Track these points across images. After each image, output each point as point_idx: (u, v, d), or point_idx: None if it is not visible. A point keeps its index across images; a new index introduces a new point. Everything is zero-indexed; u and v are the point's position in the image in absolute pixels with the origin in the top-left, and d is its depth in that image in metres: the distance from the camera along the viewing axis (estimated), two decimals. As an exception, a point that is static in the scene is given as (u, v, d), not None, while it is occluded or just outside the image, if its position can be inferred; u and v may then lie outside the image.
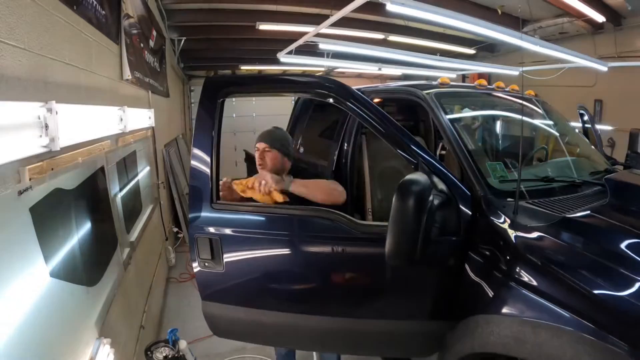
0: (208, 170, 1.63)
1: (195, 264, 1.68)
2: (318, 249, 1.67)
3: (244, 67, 8.43)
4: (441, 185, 1.48)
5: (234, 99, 9.29)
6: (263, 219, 1.69)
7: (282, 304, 1.74)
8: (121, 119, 2.02)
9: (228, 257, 1.64)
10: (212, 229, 1.63)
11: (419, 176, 1.29)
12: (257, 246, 1.68)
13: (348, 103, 1.62)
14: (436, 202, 1.36)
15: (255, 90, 2.01)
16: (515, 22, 4.80)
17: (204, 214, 1.63)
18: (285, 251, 1.70)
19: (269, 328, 1.76)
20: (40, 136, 1.09)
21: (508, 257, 1.37)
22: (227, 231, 1.65)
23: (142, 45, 3.06)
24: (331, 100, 1.65)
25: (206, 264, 1.66)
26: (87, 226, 1.63)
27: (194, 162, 1.65)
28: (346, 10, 3.23)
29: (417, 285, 1.64)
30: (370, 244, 1.59)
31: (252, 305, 1.73)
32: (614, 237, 1.32)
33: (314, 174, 2.25)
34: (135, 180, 2.82)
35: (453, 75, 6.64)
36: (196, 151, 1.65)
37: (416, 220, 1.20)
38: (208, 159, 1.63)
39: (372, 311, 1.68)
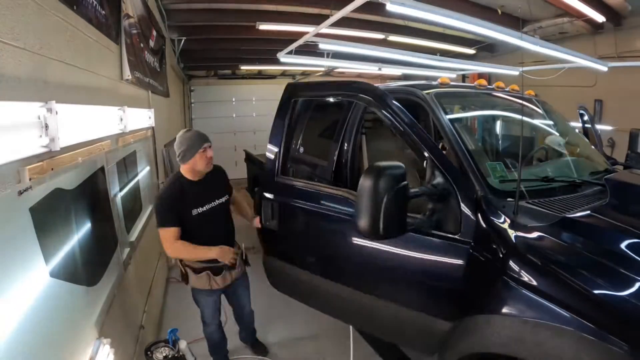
0: (274, 157, 2.23)
1: (259, 223, 2.25)
2: (343, 223, 1.88)
3: (244, 67, 8.43)
4: (437, 179, 1.50)
5: (233, 99, 9.33)
6: (308, 193, 2.05)
7: (321, 271, 2.05)
8: (121, 119, 2.02)
9: (282, 219, 2.14)
10: (272, 196, 2.19)
11: (392, 163, 1.38)
12: (302, 214, 2.12)
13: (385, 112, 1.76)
14: (412, 191, 1.47)
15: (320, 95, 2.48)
16: (515, 22, 4.80)
17: (269, 183, 2.21)
18: (323, 223, 2.02)
19: (312, 291, 2.10)
20: (40, 136, 1.09)
21: (508, 257, 1.37)
22: (283, 199, 2.15)
23: (142, 45, 3.05)
24: (377, 110, 1.81)
25: (267, 222, 2.16)
26: (87, 226, 1.63)
27: (269, 147, 2.27)
28: (346, 10, 3.23)
29: (419, 282, 1.66)
30: None
31: (297, 264, 2.16)
32: (614, 237, 1.32)
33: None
34: (136, 180, 2.82)
35: (453, 75, 6.63)
36: (270, 140, 2.25)
37: (375, 199, 1.31)
38: (276, 149, 2.24)
39: (392, 294, 1.79)
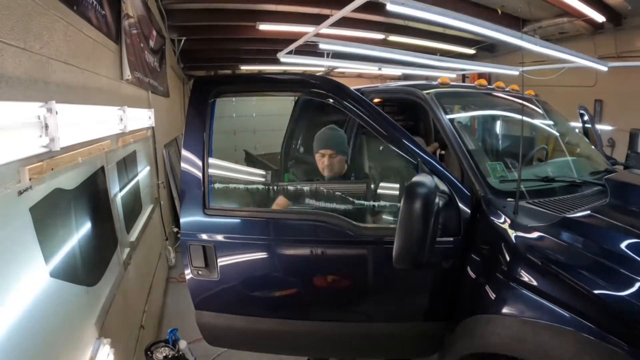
0: (200, 174, 1.58)
1: (187, 272, 1.64)
2: (318, 253, 1.63)
3: (244, 67, 8.43)
4: (443, 186, 1.48)
5: (233, 99, 9.31)
6: (260, 223, 1.65)
7: (281, 311, 1.71)
8: (121, 119, 2.02)
9: (223, 264, 1.60)
10: (205, 236, 1.59)
11: (424, 178, 1.27)
12: (253, 252, 1.64)
13: (345, 102, 1.61)
14: (441, 204, 1.35)
15: (247, 90, 2.00)
16: (515, 22, 4.80)
17: (196, 220, 1.58)
18: (284, 257, 1.67)
19: (268, 335, 1.73)
20: (40, 136, 1.09)
21: (508, 257, 1.37)
22: (222, 237, 1.60)
23: (142, 45, 3.05)
24: (329, 100, 1.64)
25: (199, 272, 1.61)
26: (87, 226, 1.62)
27: (184, 166, 1.60)
28: (346, 10, 3.23)
29: (419, 287, 1.64)
30: (371, 246, 1.58)
31: (249, 313, 1.70)
32: (614, 237, 1.32)
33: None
34: (135, 180, 2.82)
35: (453, 75, 6.64)
36: (187, 154, 1.60)
37: (424, 223, 1.19)
38: (200, 163, 1.58)
39: (374, 314, 1.68)
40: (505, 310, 1.31)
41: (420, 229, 1.18)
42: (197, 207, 1.58)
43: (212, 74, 9.29)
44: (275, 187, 1.97)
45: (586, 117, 2.85)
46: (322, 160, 1.91)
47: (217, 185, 1.71)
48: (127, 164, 2.54)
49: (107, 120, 1.83)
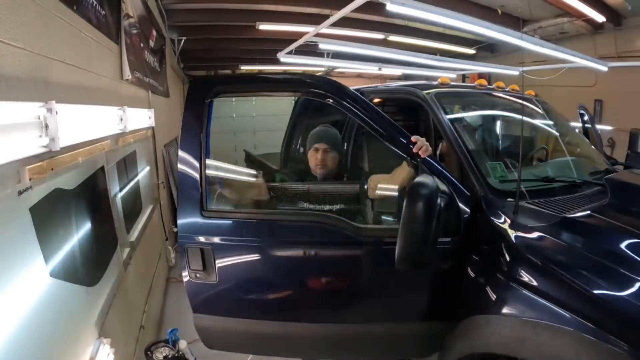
0: (197, 176, 1.56)
1: (184, 274, 1.61)
2: (317, 255, 1.62)
3: (244, 67, 8.44)
4: (443, 187, 1.48)
5: (233, 99, 9.30)
6: (258, 225, 1.63)
7: (280, 313, 1.70)
8: (121, 119, 2.02)
9: (221, 267, 1.58)
10: (202, 238, 1.57)
11: (427, 179, 1.26)
12: (252, 254, 1.63)
13: (344, 102, 1.61)
14: (443, 204, 1.35)
15: (245, 90, 1.98)
16: (515, 22, 4.80)
17: (193, 221, 1.56)
18: (283, 258, 1.66)
19: (267, 338, 1.72)
20: (40, 136, 1.09)
21: (508, 257, 1.37)
22: (220, 240, 1.58)
23: (142, 45, 3.05)
24: (329, 100, 1.64)
25: (197, 274, 1.59)
26: (87, 226, 1.63)
27: (181, 167, 1.58)
28: (346, 10, 3.24)
29: (419, 287, 1.64)
30: (371, 247, 1.58)
31: (249, 316, 1.68)
32: (614, 237, 1.32)
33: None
34: (135, 180, 2.82)
35: (453, 75, 6.63)
36: (183, 155, 1.57)
37: (427, 224, 1.18)
38: (197, 164, 1.56)
39: (373, 315, 1.67)
40: (505, 310, 1.31)
41: (422, 230, 1.18)
42: (194, 209, 1.56)
43: (212, 74, 9.30)
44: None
45: (586, 117, 2.85)
46: (316, 156, 1.84)
47: (214, 187, 1.69)
48: (127, 164, 2.54)
49: (107, 120, 1.83)
